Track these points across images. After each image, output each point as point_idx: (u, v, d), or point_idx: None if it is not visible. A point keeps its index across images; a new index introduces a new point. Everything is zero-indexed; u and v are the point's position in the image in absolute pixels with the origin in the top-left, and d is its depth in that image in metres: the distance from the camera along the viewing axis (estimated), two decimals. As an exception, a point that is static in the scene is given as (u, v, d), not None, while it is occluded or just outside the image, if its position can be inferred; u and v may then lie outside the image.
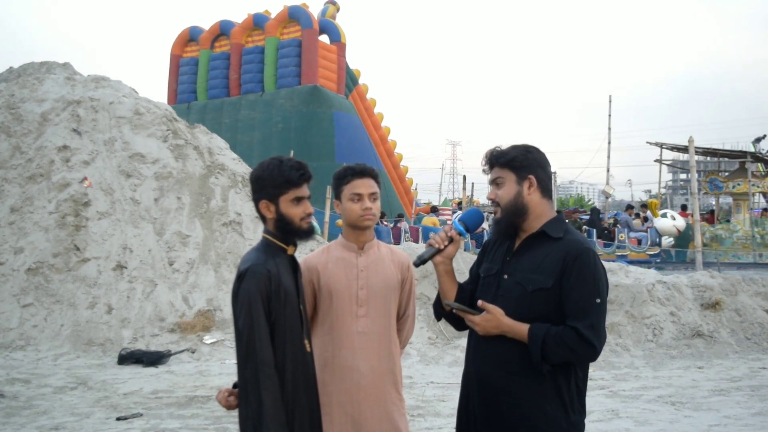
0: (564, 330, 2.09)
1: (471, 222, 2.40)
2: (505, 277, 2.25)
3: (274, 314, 2.19)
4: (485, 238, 15.95)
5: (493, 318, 2.15)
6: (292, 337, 2.24)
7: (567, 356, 2.11)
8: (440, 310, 2.46)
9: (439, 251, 2.32)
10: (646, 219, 18.76)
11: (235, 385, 2.29)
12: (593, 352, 2.11)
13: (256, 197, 2.32)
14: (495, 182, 2.30)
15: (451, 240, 2.32)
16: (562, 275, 2.14)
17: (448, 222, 21.23)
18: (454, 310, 2.25)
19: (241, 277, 2.19)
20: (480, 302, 2.18)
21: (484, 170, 2.38)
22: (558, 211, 2.33)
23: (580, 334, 2.08)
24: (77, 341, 7.49)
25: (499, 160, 2.29)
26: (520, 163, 2.26)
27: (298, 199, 2.30)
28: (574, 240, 2.21)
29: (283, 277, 2.25)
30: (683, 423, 5.17)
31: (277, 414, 2.11)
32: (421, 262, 2.32)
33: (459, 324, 2.41)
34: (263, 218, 2.35)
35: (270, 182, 2.27)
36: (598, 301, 2.13)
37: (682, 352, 7.87)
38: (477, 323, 2.18)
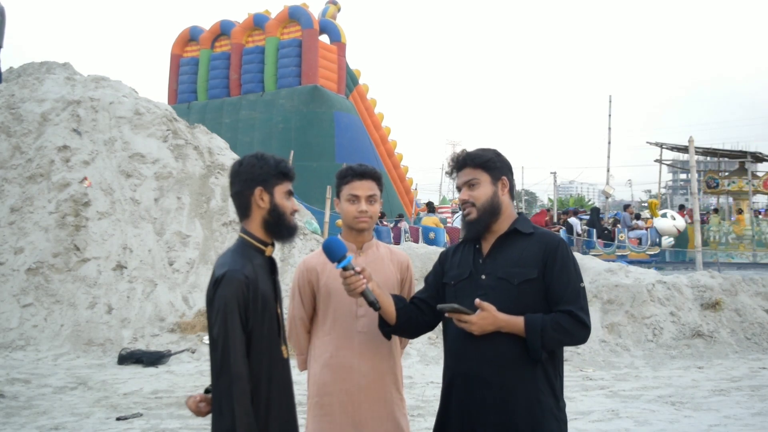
0: (559, 315, 2.18)
1: (336, 250, 2.31)
2: (483, 277, 2.29)
3: (251, 322, 2.09)
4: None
5: (489, 315, 2.17)
6: (269, 345, 2.15)
7: (565, 340, 2.21)
8: (386, 329, 2.45)
9: (367, 284, 2.29)
10: (638, 216, 18.92)
11: (206, 391, 2.20)
12: (587, 333, 2.22)
13: (248, 185, 2.20)
14: (469, 183, 2.34)
15: (358, 273, 2.28)
16: (545, 265, 2.24)
17: (449, 221, 21.22)
18: (446, 314, 2.23)
19: (216, 283, 2.09)
20: (477, 301, 2.18)
21: (448, 173, 2.42)
22: (519, 213, 2.44)
23: (574, 316, 2.18)
24: (77, 341, 7.49)
25: (475, 161, 2.34)
26: (495, 165, 2.34)
27: (290, 193, 2.26)
28: (546, 233, 2.35)
29: (260, 282, 2.14)
30: (683, 423, 5.17)
31: (249, 428, 2.03)
32: (378, 303, 2.30)
33: (410, 331, 2.48)
34: (246, 212, 2.23)
35: (267, 171, 2.21)
36: (582, 285, 2.26)
37: (682, 352, 7.87)
38: (474, 322, 2.17)
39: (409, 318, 2.42)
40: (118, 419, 5.13)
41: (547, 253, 2.24)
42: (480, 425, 2.23)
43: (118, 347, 7.35)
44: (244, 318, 2.07)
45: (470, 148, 2.43)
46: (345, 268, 2.27)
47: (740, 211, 21.38)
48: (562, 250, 2.26)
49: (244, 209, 2.23)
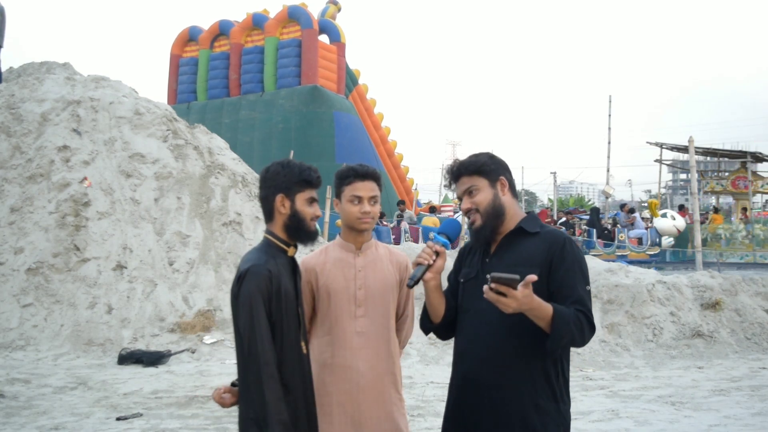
0: (578, 313, 2.11)
1: (451, 232, 2.40)
2: (488, 277, 2.26)
3: (274, 315, 2.20)
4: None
5: (530, 293, 1.99)
6: (289, 339, 2.25)
7: (578, 340, 2.12)
8: (429, 325, 2.44)
9: (429, 267, 2.28)
10: (632, 210, 18.99)
11: (233, 384, 2.31)
12: (591, 337, 2.18)
13: (272, 192, 2.33)
14: (468, 191, 2.32)
15: (437, 254, 2.29)
16: (550, 265, 2.18)
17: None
18: (492, 284, 1.97)
19: (241, 278, 2.20)
20: (530, 276, 1.96)
21: (446, 185, 2.43)
22: (528, 212, 2.40)
23: (588, 318, 2.13)
24: (77, 341, 7.49)
25: (469, 169, 2.33)
26: (490, 167, 2.32)
27: (312, 200, 2.37)
28: (552, 231, 2.29)
29: (283, 278, 2.26)
30: (683, 423, 5.17)
31: (281, 414, 2.12)
32: (415, 282, 2.27)
33: (447, 333, 2.44)
34: (270, 215, 2.36)
35: (290, 178, 2.33)
36: (588, 288, 2.20)
37: (682, 352, 7.88)
38: (518, 298, 1.97)
39: (452, 320, 2.39)
40: (118, 419, 5.13)
41: (552, 252, 2.19)
42: (474, 428, 2.21)
43: (118, 347, 7.35)
44: (268, 310, 2.18)
45: (463, 156, 2.43)
46: (436, 242, 2.31)
47: (716, 210, 21.60)
48: (569, 250, 2.20)
49: (268, 213, 2.38)
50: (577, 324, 2.09)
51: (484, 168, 2.31)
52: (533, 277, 1.96)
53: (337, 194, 2.63)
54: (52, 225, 8.50)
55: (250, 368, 2.13)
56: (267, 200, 2.36)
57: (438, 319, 2.39)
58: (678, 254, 17.08)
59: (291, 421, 2.17)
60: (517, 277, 1.96)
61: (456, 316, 2.38)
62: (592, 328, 2.14)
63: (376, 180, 2.61)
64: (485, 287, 2.00)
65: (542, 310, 2.05)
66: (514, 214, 2.32)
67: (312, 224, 2.37)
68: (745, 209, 21.17)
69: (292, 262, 2.40)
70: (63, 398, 5.77)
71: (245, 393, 2.16)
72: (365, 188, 2.56)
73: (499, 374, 2.17)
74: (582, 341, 2.15)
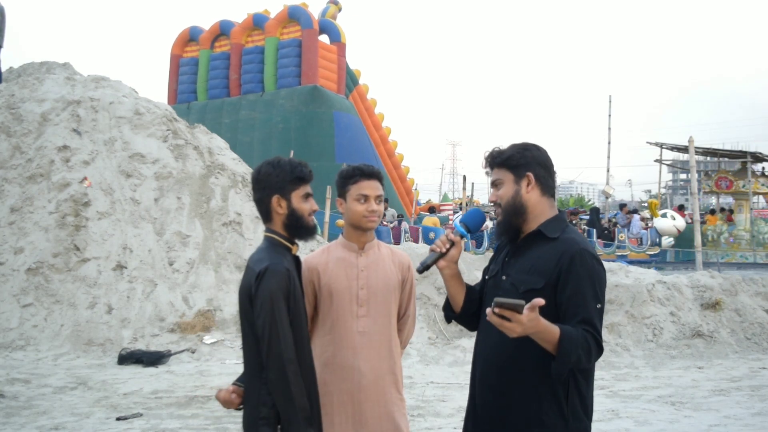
0: (586, 334, 2.00)
1: (472, 223, 2.37)
2: (504, 278, 2.21)
3: (291, 313, 2.21)
4: (485, 238, 15.96)
5: (536, 317, 1.89)
6: (301, 337, 2.27)
7: (584, 362, 2.03)
8: (450, 313, 2.42)
9: (441, 255, 2.26)
10: (635, 211, 19.00)
11: (236, 384, 2.30)
12: (598, 359, 2.08)
13: (267, 193, 2.33)
14: (494, 184, 2.26)
15: (452, 243, 2.27)
16: (558, 277, 2.06)
17: (450, 218, 21.22)
18: (496, 309, 1.86)
19: (260, 276, 2.18)
20: (538, 300, 1.87)
21: (486, 173, 2.34)
22: (559, 210, 2.27)
23: (596, 339, 2.02)
24: (77, 341, 7.49)
25: (496, 161, 2.25)
26: (517, 161, 2.21)
27: (307, 195, 2.37)
28: (568, 240, 2.13)
29: (295, 276, 2.30)
30: (683, 423, 5.18)
31: (306, 410, 2.13)
32: (424, 268, 2.26)
33: (471, 324, 2.39)
34: (268, 216, 2.36)
35: (283, 177, 2.32)
36: (599, 306, 2.07)
37: (682, 352, 7.88)
38: (524, 323, 1.86)
39: (475, 311, 2.35)
40: (118, 419, 5.13)
41: (562, 263, 2.06)
42: (480, 429, 2.20)
43: (118, 347, 7.35)
44: (287, 308, 2.20)
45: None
46: (454, 233, 2.30)
47: (713, 212, 21.71)
48: (581, 262, 2.05)
49: (266, 214, 2.38)
50: (584, 346, 1.98)
51: (509, 162, 2.21)
52: (540, 301, 1.85)
53: (342, 194, 2.63)
54: (52, 225, 8.50)
55: (271, 367, 2.12)
56: (262, 202, 2.35)
57: (458, 308, 2.37)
58: (678, 254, 17.10)
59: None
60: (522, 302, 1.85)
61: (479, 309, 2.34)
62: (600, 350, 2.03)
63: (381, 180, 2.64)
64: (487, 310, 1.88)
65: (548, 333, 1.94)
66: (540, 213, 2.19)
67: (311, 219, 2.38)
68: (731, 211, 21.30)
69: (296, 259, 2.42)
70: (63, 398, 5.77)
71: (258, 392, 2.15)
72: (371, 187, 2.58)
73: (505, 380, 2.13)
74: (588, 363, 2.05)
